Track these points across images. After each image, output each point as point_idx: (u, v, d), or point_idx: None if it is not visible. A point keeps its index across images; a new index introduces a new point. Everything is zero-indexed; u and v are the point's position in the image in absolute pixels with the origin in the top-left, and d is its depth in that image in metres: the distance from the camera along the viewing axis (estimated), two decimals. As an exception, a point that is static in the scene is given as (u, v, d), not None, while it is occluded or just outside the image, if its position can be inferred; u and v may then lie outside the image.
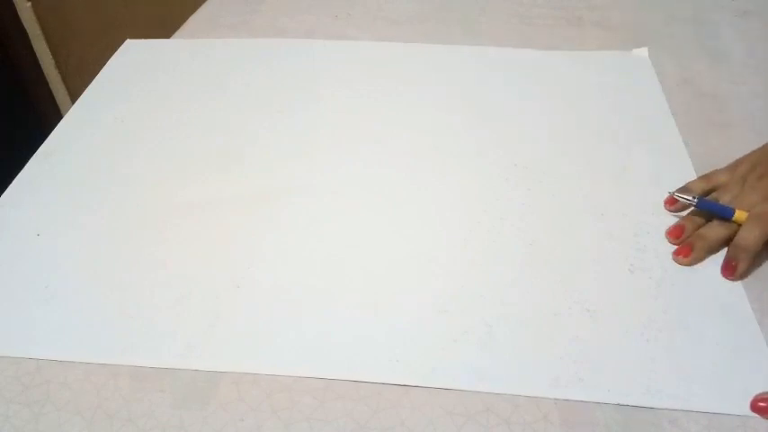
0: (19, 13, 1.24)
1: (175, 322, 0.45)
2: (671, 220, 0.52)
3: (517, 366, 0.42)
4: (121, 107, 0.67)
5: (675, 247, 0.50)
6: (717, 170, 0.54)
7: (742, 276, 0.48)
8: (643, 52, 0.73)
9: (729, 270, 0.48)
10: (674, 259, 0.49)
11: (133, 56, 0.76)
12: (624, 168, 0.58)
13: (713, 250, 0.49)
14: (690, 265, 0.49)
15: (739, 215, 0.49)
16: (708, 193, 0.53)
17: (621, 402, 0.40)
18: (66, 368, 0.43)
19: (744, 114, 0.64)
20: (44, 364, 0.43)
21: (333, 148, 0.61)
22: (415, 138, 0.62)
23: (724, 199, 0.51)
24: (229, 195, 0.56)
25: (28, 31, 1.26)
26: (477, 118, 0.64)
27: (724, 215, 0.50)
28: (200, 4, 0.88)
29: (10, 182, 0.58)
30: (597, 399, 0.40)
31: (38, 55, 1.30)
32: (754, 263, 0.48)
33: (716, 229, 0.50)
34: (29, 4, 1.23)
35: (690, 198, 0.51)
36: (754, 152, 0.54)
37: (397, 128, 0.63)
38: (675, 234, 0.50)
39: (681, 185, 0.54)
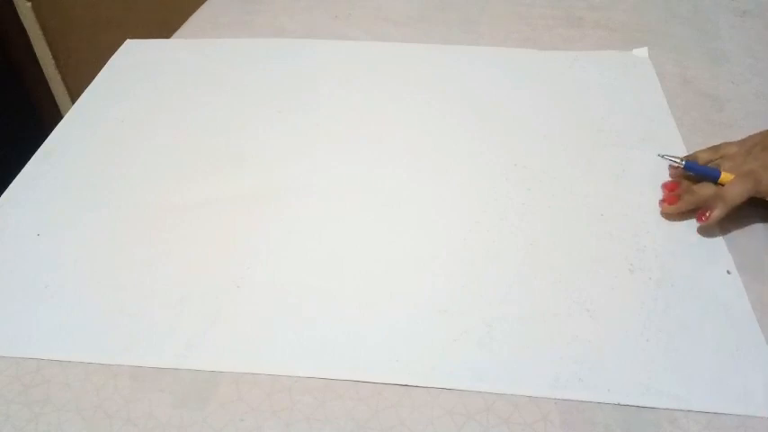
0: (19, 13, 1.24)
1: (175, 322, 0.45)
2: (670, 220, 0.52)
3: (517, 366, 0.42)
4: (121, 107, 0.67)
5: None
6: (727, 142, 0.55)
7: (711, 225, 0.49)
8: (643, 52, 0.73)
9: (703, 215, 0.49)
10: (659, 206, 0.51)
11: (133, 56, 0.76)
12: (624, 168, 0.58)
13: (699, 205, 0.50)
14: (672, 213, 0.51)
15: (725, 177, 0.50)
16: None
17: (621, 402, 0.40)
18: (66, 368, 0.43)
19: (744, 114, 0.64)
20: (44, 364, 0.43)
21: (332, 147, 0.61)
22: (414, 138, 0.62)
23: (723, 167, 0.52)
24: (229, 195, 0.56)
25: (28, 31, 1.26)
26: (477, 118, 0.64)
27: (710, 176, 0.51)
28: (200, 4, 0.88)
29: (10, 182, 0.58)
30: (597, 399, 0.40)
31: (38, 55, 1.30)
32: (754, 262, 0.49)
33: (706, 188, 0.51)
34: (29, 4, 1.23)
35: (677, 160, 0.52)
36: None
37: (397, 128, 0.63)
38: (670, 187, 0.52)
39: (680, 185, 0.55)
